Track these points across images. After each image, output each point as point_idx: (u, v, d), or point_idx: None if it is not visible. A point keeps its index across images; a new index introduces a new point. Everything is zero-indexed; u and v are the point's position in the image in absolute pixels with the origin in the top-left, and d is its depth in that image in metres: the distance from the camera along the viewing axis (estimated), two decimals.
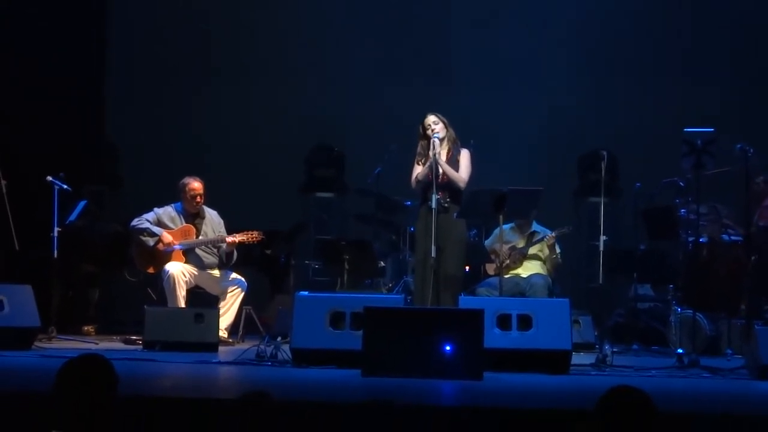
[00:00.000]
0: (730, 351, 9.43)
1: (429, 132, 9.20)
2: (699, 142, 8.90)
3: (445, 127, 9.27)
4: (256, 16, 13.01)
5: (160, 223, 10.10)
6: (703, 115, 11.17)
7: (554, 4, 12.80)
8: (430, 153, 9.09)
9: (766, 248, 9.97)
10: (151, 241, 10.00)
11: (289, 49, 12.90)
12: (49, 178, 10.00)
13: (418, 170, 9.28)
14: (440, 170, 9.08)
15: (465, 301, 8.86)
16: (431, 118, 9.26)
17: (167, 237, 10.00)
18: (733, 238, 10.17)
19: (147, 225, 10.04)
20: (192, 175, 10.19)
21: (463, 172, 9.25)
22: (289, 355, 8.23)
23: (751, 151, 9.30)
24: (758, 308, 9.72)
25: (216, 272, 10.15)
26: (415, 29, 12.87)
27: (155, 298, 10.02)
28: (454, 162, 9.24)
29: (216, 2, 13.06)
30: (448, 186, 9.14)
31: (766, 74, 12.41)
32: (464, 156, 9.31)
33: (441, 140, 9.17)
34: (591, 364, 8.46)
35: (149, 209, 10.20)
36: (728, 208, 10.40)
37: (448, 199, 9.10)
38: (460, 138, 9.41)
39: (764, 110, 12.23)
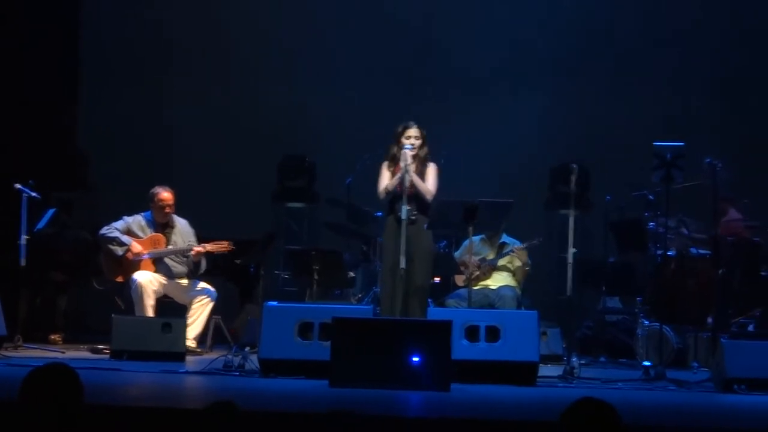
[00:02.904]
0: (696, 364, 9.48)
1: (405, 141, 9.19)
2: (668, 155, 8.96)
3: (423, 144, 9.26)
4: (228, 27, 12.99)
5: (129, 232, 10.07)
6: (674, 127, 11.27)
7: (526, 17, 12.84)
8: (401, 164, 9.10)
9: (733, 262, 10.05)
10: (119, 250, 9.98)
11: (261, 58, 12.88)
12: (18, 185, 9.95)
13: (387, 177, 9.27)
14: (409, 181, 9.06)
15: (434, 313, 8.89)
16: (414, 132, 9.22)
17: (136, 246, 9.98)
18: (701, 251, 10.23)
19: (116, 234, 10.01)
20: (162, 185, 10.17)
21: (430, 185, 9.25)
22: (257, 366, 8.21)
23: (720, 165, 9.38)
24: (725, 321, 9.78)
25: (185, 281, 10.13)
26: (389, 39, 12.87)
27: (123, 307, 9.97)
28: (420, 176, 9.22)
29: (187, 11, 12.98)
30: (416, 198, 9.14)
31: (737, 87, 12.49)
32: (432, 170, 9.31)
33: (413, 155, 9.16)
34: (558, 376, 8.51)
35: (119, 217, 10.18)
36: (696, 222, 10.48)
37: (415, 212, 9.09)
38: (431, 150, 9.41)
39: (734, 124, 12.31)
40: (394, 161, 9.29)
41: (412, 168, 9.12)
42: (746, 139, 12.18)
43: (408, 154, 9.07)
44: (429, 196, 9.24)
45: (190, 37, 12.92)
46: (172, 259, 10.11)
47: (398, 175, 9.14)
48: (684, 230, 10.30)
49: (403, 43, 12.89)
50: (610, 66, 12.72)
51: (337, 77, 12.79)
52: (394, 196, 9.17)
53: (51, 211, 10.71)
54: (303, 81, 12.82)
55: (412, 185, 9.10)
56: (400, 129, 9.29)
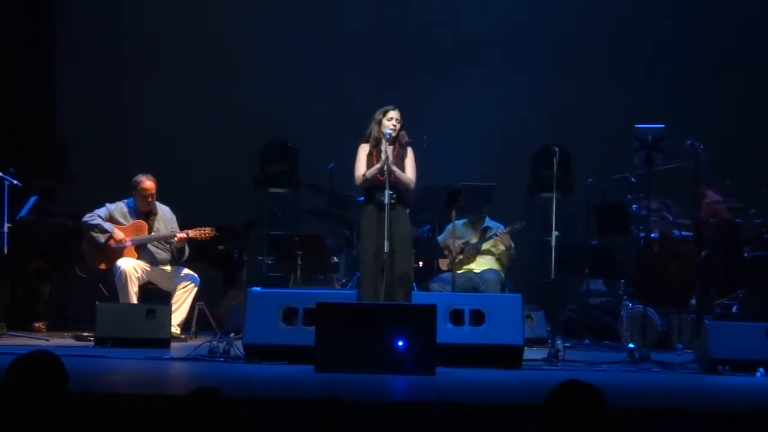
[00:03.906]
0: (680, 345, 9.54)
1: (387, 122, 9.15)
2: (650, 137, 8.97)
3: (401, 128, 9.23)
4: (207, 10, 12.94)
5: (111, 219, 10.03)
6: (654, 111, 11.27)
7: (510, 3, 12.82)
8: (382, 156, 9.04)
9: (716, 243, 10.08)
10: (102, 238, 9.94)
11: (242, 42, 12.83)
12: None
13: (364, 159, 9.20)
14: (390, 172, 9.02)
15: (418, 297, 8.89)
16: (395, 114, 9.17)
17: (119, 233, 9.95)
18: (683, 233, 10.25)
19: (98, 221, 9.96)
20: (145, 173, 10.11)
21: (410, 173, 9.20)
22: (242, 351, 8.20)
23: (701, 147, 9.40)
24: (708, 303, 9.82)
25: (168, 268, 10.11)
26: (370, 23, 12.86)
27: (107, 294, 9.94)
28: (399, 161, 9.17)
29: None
30: (395, 186, 9.09)
31: (715, 70, 12.53)
32: (410, 156, 9.27)
33: (392, 139, 9.13)
34: (543, 359, 8.52)
35: (101, 204, 10.13)
36: (677, 205, 10.52)
37: (394, 197, 9.02)
38: (410, 135, 9.38)
39: (714, 106, 12.34)
40: (374, 142, 9.22)
41: (392, 158, 9.07)
42: (725, 121, 12.21)
43: (389, 149, 9.02)
44: (411, 185, 9.23)
45: (170, 26, 12.88)
46: (155, 246, 10.07)
47: (377, 165, 9.08)
48: (668, 215, 10.32)
49: (385, 28, 12.89)
50: (591, 50, 12.72)
51: (319, 62, 12.75)
52: (373, 184, 9.13)
53: (33, 199, 10.67)
54: (284, 66, 12.78)
55: (392, 174, 9.04)
56: (380, 112, 9.25)
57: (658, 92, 12.40)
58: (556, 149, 9.71)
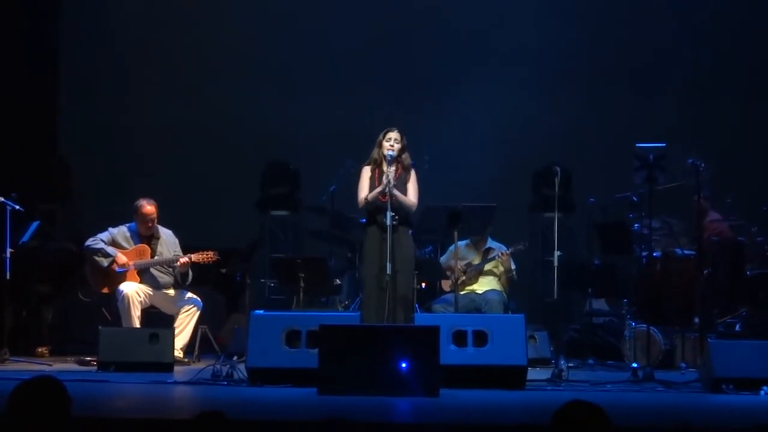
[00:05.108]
0: (684, 364, 9.54)
1: (387, 144, 9.18)
2: (651, 156, 8.98)
3: (402, 148, 9.25)
4: (208, 30, 12.94)
5: (114, 243, 10.02)
6: (655, 129, 11.29)
7: (510, 20, 12.82)
8: (384, 180, 9.06)
9: (718, 262, 10.07)
10: (105, 262, 9.93)
11: (244, 63, 12.84)
12: (1, 198, 9.89)
13: (367, 182, 9.23)
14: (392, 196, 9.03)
15: (421, 318, 8.89)
16: (395, 135, 9.22)
17: (121, 257, 9.94)
18: (686, 252, 10.24)
19: (101, 245, 9.95)
20: (146, 197, 10.09)
21: (412, 196, 9.23)
22: (245, 375, 8.20)
23: (703, 165, 9.40)
24: (711, 321, 9.81)
25: (171, 292, 10.09)
26: (372, 43, 12.86)
27: (110, 318, 9.93)
28: (401, 184, 9.21)
29: (167, 18, 12.94)
30: (398, 208, 9.09)
31: (717, 87, 12.53)
32: (412, 179, 9.29)
33: (393, 160, 9.15)
34: (547, 380, 8.51)
35: (103, 228, 10.11)
36: (681, 223, 10.51)
37: (397, 218, 9.02)
38: (412, 155, 9.40)
39: (715, 123, 12.34)
40: (376, 164, 9.26)
41: (393, 180, 9.09)
42: (725, 138, 12.20)
43: (390, 173, 9.04)
44: (413, 208, 9.25)
45: (171, 47, 12.87)
46: (158, 270, 10.06)
47: (378, 188, 9.11)
48: (671, 232, 10.32)
49: (386, 47, 12.87)
50: (592, 69, 12.72)
51: (320, 84, 12.76)
52: (375, 206, 9.14)
53: (35, 224, 10.66)
54: (286, 87, 12.78)
55: (395, 198, 9.05)
56: (382, 134, 9.28)
57: (660, 109, 12.39)
58: (558, 168, 9.70)
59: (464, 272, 10.41)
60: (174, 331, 9.56)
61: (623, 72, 12.69)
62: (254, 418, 6.31)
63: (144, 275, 10.00)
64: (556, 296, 9.47)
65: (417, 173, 9.37)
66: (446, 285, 10.55)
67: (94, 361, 9.33)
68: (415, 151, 9.59)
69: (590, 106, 12.60)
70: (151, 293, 9.95)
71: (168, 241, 10.17)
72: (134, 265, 9.96)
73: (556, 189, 9.57)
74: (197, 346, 10.19)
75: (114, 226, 10.15)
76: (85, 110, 12.78)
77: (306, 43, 12.88)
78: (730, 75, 12.59)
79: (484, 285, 10.48)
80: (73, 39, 12.91)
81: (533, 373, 8.61)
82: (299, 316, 8.78)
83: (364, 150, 9.54)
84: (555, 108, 12.61)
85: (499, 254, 10.42)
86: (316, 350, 7.79)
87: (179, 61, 12.89)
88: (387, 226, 8.88)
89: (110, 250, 9.95)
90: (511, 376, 8.11)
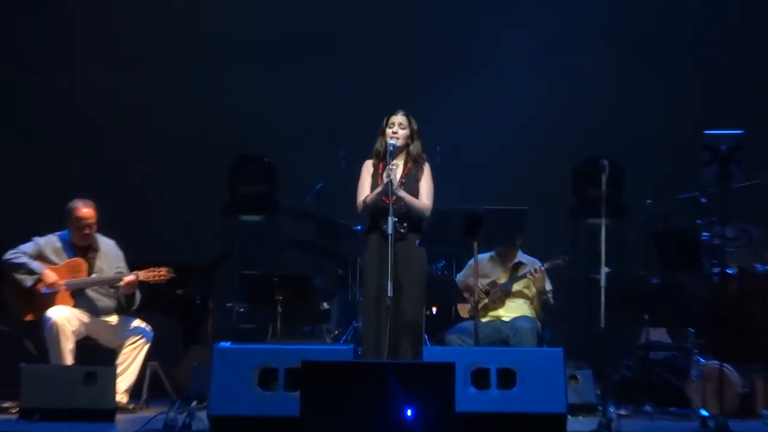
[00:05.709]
0: (766, 412, 9.53)
1: (390, 131, 9.16)
2: (723, 147, 8.95)
3: (411, 135, 9.22)
4: (176, 18, 13.03)
5: (41, 257, 10.00)
6: (730, 114, 11.27)
7: None
8: (384, 178, 9.03)
9: None
10: (29, 281, 9.90)
11: (205, 38, 12.90)
12: None
13: (368, 180, 9.21)
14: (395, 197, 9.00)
15: (431, 353, 8.80)
16: (399, 119, 9.21)
17: (50, 275, 9.89)
18: None
19: (24, 259, 9.92)
20: (81, 198, 10.10)
21: (424, 197, 9.19)
22: (207, 425, 8.14)
23: None
24: None
25: (113, 319, 10.09)
26: (369, 14, 12.90)
27: (34, 352, 9.93)
28: (412, 181, 9.19)
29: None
30: (406, 213, 9.08)
31: None
32: (426, 175, 9.26)
33: (397, 151, 9.14)
34: (593, 431, 8.43)
35: (27, 239, 10.07)
36: (763, 231, 10.47)
37: (405, 224, 9.03)
38: (424, 146, 9.36)
39: None
40: (379, 158, 9.24)
41: (399, 171, 9.06)
42: None
43: (392, 170, 9.00)
44: (426, 212, 9.21)
45: (129, 21, 12.92)
46: (96, 291, 10.06)
47: (379, 188, 9.08)
48: (751, 243, 10.31)
49: (386, 21, 12.99)
50: (648, 46, 12.77)
51: (304, 62, 12.80)
52: (378, 210, 9.09)
53: None
54: (261, 63, 12.85)
55: (401, 200, 9.03)
56: (385, 119, 9.24)
57: (734, 91, 12.38)
58: (606, 162, 9.65)
59: (487, 294, 10.43)
60: (116, 370, 9.56)
61: (688, 47, 12.68)
62: None
63: (79, 298, 9.97)
64: (603, 324, 9.43)
65: (431, 168, 9.30)
66: (463, 310, 10.55)
67: (14, 407, 9.32)
68: (424, 142, 9.53)
69: (646, 83, 12.69)
70: (88, 321, 9.93)
71: (109, 255, 10.15)
72: (66, 284, 9.93)
73: (603, 188, 9.54)
74: (146, 388, 10.20)
75: (41, 235, 10.09)
76: (17, 94, 12.82)
77: (284, 13, 12.88)
78: None
79: (512, 310, 10.48)
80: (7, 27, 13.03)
81: (575, 424, 8.63)
82: (276, 350, 8.71)
83: (360, 139, 9.58)
84: (596, 87, 12.69)
85: (532, 271, 10.41)
86: (297, 394, 7.73)
87: (132, 33, 12.94)
88: (389, 234, 8.84)
89: (35, 265, 9.91)
90: (547, 427, 8.05)
